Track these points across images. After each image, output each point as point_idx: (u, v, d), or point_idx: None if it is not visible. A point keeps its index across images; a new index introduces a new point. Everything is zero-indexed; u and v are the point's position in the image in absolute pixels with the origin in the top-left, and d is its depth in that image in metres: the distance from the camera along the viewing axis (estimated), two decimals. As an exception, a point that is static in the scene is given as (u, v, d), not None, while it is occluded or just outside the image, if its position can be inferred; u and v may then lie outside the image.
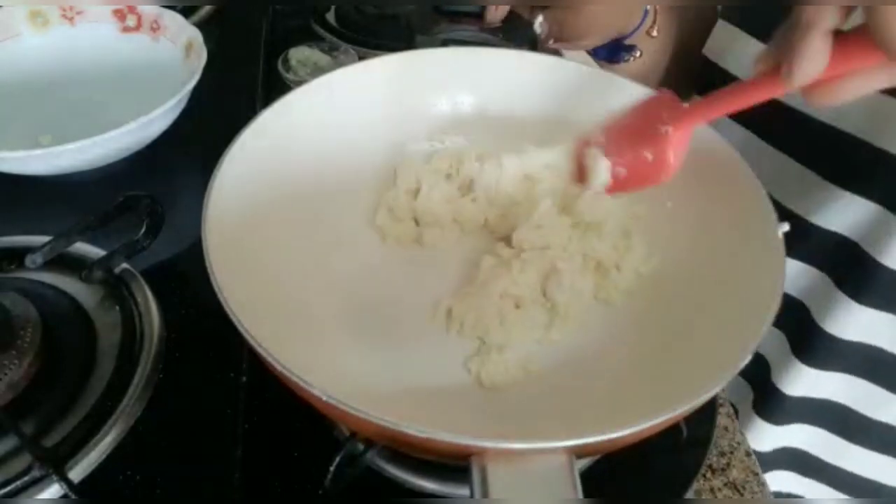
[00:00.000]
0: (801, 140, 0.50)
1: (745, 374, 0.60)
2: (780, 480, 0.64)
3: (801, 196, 0.50)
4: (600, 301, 0.44)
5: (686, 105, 0.40)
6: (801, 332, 0.54)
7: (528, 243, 0.45)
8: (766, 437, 0.61)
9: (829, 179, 0.48)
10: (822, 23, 0.28)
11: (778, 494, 0.64)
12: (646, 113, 0.42)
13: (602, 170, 0.44)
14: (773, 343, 0.58)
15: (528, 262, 0.44)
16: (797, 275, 0.53)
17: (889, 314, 0.49)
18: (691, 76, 0.61)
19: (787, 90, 0.31)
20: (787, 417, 0.59)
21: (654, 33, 0.62)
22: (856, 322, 0.50)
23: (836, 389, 0.56)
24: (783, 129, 0.52)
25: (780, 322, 0.56)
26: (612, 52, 0.64)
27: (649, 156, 0.41)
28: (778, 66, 0.30)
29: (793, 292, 0.54)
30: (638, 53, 0.63)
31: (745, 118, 0.49)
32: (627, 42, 0.63)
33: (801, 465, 0.62)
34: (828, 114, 0.48)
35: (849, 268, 0.49)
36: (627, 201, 0.47)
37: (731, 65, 0.56)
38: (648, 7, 0.61)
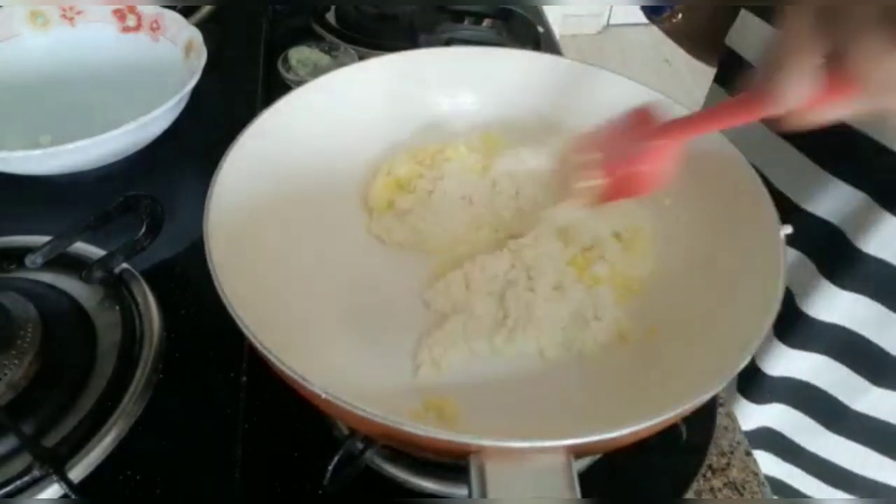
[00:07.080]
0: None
1: None
2: (759, 461, 0.64)
3: (793, 180, 0.51)
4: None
5: (675, 119, 0.39)
6: (782, 313, 0.55)
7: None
8: (747, 415, 0.61)
9: (822, 166, 0.49)
10: (808, 54, 0.28)
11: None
12: (632, 125, 0.41)
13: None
14: None
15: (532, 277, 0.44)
16: None
17: (867, 298, 0.50)
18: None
19: (767, 114, 0.31)
20: (767, 396, 0.60)
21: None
22: (835, 305, 0.51)
23: (817, 372, 0.56)
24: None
25: None
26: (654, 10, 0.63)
27: (638, 168, 0.39)
28: (761, 88, 0.30)
29: None
30: (678, 17, 0.62)
31: None
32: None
33: (780, 448, 0.63)
34: None
35: (831, 253, 0.50)
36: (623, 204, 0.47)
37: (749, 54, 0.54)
38: None
